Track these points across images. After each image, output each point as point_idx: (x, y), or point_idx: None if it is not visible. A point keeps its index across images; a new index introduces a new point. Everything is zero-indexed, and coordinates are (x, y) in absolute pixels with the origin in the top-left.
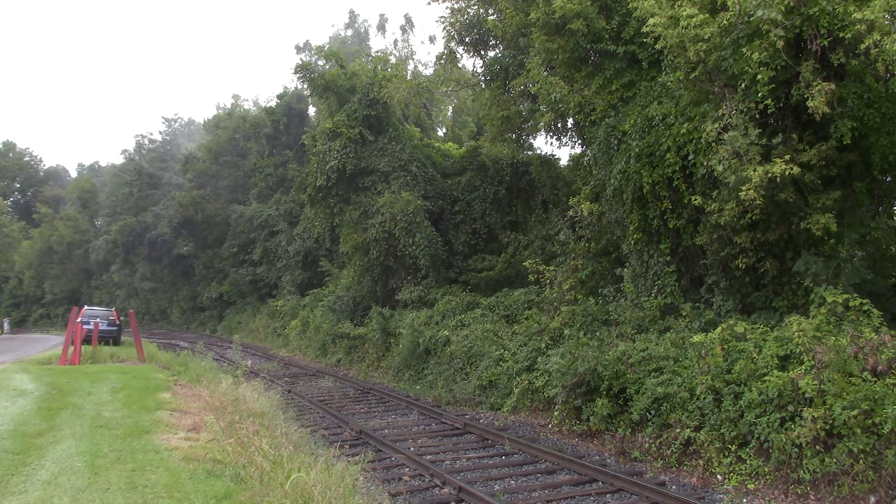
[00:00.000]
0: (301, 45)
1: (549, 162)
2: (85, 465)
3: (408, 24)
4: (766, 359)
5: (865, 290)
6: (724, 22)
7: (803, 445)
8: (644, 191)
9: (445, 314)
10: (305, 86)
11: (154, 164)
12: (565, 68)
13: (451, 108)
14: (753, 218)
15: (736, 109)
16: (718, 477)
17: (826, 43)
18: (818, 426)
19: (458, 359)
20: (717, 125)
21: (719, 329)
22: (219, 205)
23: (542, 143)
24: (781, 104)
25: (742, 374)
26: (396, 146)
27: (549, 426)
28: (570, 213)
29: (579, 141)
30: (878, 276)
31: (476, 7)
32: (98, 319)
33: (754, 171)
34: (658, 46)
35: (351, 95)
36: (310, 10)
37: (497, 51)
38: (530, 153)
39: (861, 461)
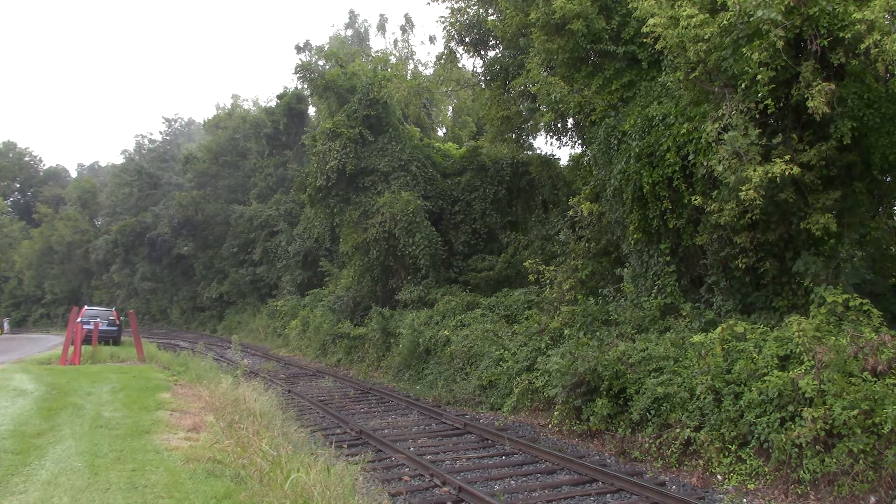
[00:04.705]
0: (301, 46)
1: (549, 162)
2: (85, 465)
3: (408, 24)
4: (766, 359)
5: (865, 290)
6: (724, 22)
7: (803, 445)
8: (644, 191)
9: (445, 314)
10: (305, 86)
11: (154, 164)
12: (565, 68)
13: (451, 108)
14: (753, 218)
15: (736, 109)
16: (718, 477)
17: (826, 43)
18: (818, 426)
19: (458, 359)
20: (717, 125)
21: (719, 329)
22: (219, 205)
23: (542, 143)
24: (781, 104)
25: (742, 374)
26: (396, 146)
27: (549, 426)
28: (570, 213)
29: (579, 141)
30: (878, 276)
31: (476, 7)
32: (98, 319)
33: (754, 171)
34: (658, 46)
35: (351, 95)
36: (310, 10)
37: (497, 51)
38: (530, 153)
39: (861, 461)
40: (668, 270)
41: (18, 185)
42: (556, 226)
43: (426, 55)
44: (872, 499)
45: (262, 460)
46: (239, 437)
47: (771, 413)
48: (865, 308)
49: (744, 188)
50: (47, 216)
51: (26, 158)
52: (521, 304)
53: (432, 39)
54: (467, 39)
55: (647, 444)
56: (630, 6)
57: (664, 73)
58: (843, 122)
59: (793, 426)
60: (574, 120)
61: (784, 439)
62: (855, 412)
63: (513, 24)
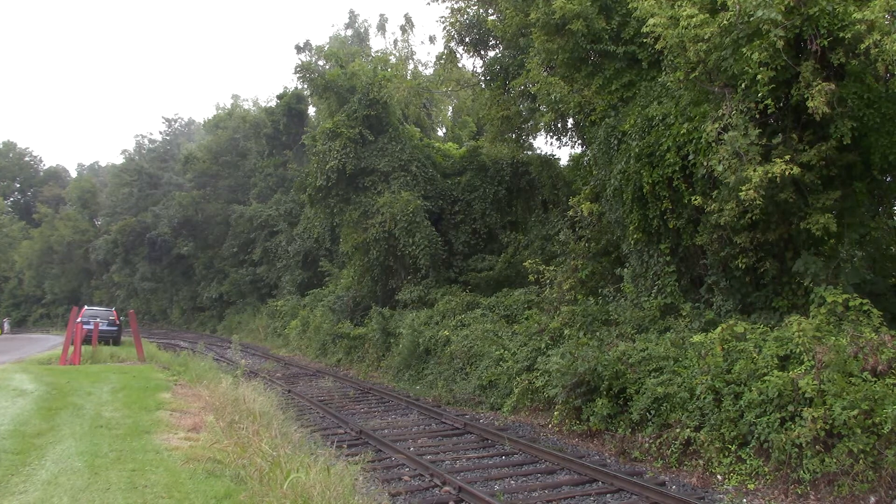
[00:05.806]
0: (301, 45)
1: (549, 162)
2: (85, 465)
3: (408, 24)
4: (766, 359)
5: (865, 290)
6: (724, 22)
7: (803, 445)
8: (644, 191)
9: (445, 314)
10: (305, 86)
11: (154, 164)
12: (565, 68)
13: (451, 108)
14: (753, 218)
15: (736, 109)
16: (718, 477)
17: (826, 43)
18: (818, 426)
19: (458, 359)
20: (717, 125)
21: (719, 329)
22: (219, 205)
23: (542, 143)
24: (781, 104)
25: (742, 374)
26: (396, 146)
27: (549, 426)
28: (570, 213)
29: (579, 141)
30: (878, 276)
31: (476, 7)
32: (98, 319)
33: (754, 171)
34: (658, 46)
35: (351, 95)
36: (310, 10)
37: (497, 51)
38: (530, 153)
39: (861, 461)
40: (668, 270)
41: (18, 185)
42: (556, 226)
43: (426, 55)
44: (872, 499)
45: (262, 460)
46: (239, 437)
47: (771, 413)
48: (865, 308)
49: (744, 188)
50: (47, 216)
51: (26, 158)
52: (521, 304)
53: (432, 39)
54: (467, 39)
55: (647, 444)
56: (630, 6)
57: (664, 73)
58: (843, 122)
59: (793, 426)
60: (574, 120)
61: (784, 439)
62: (855, 412)
63: (513, 24)
